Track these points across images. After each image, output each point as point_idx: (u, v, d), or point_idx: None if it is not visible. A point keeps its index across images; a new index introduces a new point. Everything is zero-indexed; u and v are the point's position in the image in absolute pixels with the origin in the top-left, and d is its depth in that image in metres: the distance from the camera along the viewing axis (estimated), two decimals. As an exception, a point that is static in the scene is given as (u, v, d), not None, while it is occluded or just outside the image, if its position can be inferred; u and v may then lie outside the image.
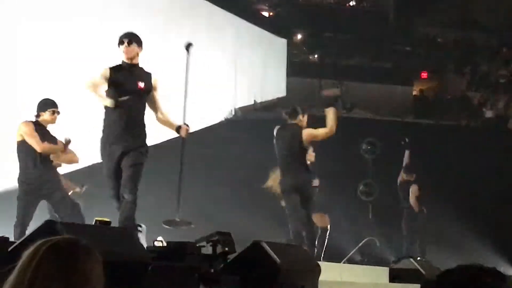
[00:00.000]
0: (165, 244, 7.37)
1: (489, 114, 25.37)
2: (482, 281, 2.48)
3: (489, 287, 2.47)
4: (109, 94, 8.06)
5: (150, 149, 8.55)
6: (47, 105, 9.25)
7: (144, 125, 8.39)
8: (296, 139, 10.35)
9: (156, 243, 7.51)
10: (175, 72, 17.65)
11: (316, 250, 11.24)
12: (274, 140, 10.60)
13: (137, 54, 8.29)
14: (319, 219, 12.61)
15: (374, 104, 24.04)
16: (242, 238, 7.77)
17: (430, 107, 25.06)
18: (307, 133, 10.40)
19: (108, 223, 6.30)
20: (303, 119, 10.63)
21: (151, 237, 7.97)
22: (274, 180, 11.25)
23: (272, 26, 23.53)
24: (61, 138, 9.56)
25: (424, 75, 26.84)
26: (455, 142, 21.15)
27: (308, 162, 10.79)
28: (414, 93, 26.23)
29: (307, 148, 10.57)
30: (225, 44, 20.56)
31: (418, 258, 12.01)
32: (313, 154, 11.90)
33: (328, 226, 13.08)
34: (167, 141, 15.99)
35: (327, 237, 12.98)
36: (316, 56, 26.83)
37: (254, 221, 13.93)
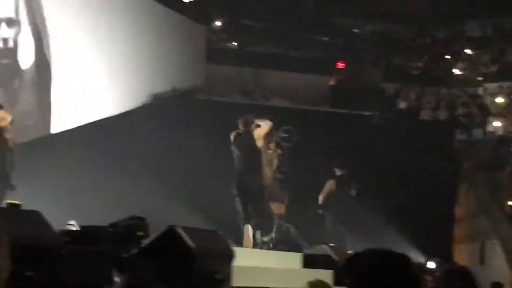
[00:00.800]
0: (78, 228, 7.30)
1: (402, 105, 25.93)
2: (389, 263, 2.54)
3: (395, 269, 2.54)
4: None
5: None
6: None
7: None
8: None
9: (69, 227, 7.43)
10: (88, 58, 17.46)
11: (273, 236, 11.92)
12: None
13: None
14: (276, 207, 13.06)
15: (291, 93, 24.25)
16: (158, 223, 7.75)
17: (346, 97, 25.43)
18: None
19: (19, 206, 6.20)
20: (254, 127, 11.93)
21: (64, 220, 7.88)
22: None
23: (192, 12, 23.41)
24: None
25: (341, 65, 27.19)
26: (369, 132, 21.57)
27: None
28: (331, 83, 26.55)
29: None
30: (144, 30, 20.37)
31: (331, 245, 12.18)
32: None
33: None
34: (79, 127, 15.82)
35: (284, 224, 13.24)
36: (235, 43, 26.85)
37: (170, 207, 13.90)
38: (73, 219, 7.98)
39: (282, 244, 13.69)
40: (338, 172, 16.38)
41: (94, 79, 17.70)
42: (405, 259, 2.59)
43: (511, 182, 23.05)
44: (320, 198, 15.78)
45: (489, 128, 24.37)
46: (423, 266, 16.92)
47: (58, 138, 16.08)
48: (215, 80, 23.73)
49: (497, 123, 24.38)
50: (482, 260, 21.50)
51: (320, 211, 15.79)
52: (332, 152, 18.99)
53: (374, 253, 2.59)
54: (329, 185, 16.14)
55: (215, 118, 19.07)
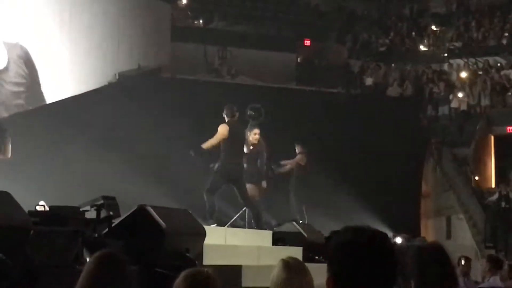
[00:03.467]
0: (47, 208, 7.21)
1: (369, 81, 26.00)
2: (367, 240, 2.55)
3: (372, 245, 2.54)
4: None
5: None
6: None
7: None
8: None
9: (38, 207, 7.33)
10: (52, 37, 17.23)
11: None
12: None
13: None
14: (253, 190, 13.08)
15: (258, 71, 24.18)
16: (128, 202, 7.69)
17: (312, 75, 25.43)
18: None
19: (-13, 187, 6.09)
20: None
21: (33, 201, 7.78)
22: None
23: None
24: None
25: (307, 42, 27.16)
26: (336, 109, 21.61)
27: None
28: (297, 60, 26.52)
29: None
30: (108, 8, 20.14)
31: (301, 222, 12.23)
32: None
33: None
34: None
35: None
36: (200, 21, 26.67)
37: (140, 186, 13.81)
38: (42, 200, 7.88)
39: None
40: (298, 149, 16.43)
41: (58, 58, 17.49)
42: (381, 235, 2.60)
43: (476, 157, 23.32)
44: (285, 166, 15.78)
45: (454, 104, 24.55)
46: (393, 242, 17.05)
47: (21, 117, 15.87)
48: (181, 58, 23.56)
49: (462, 99, 24.58)
50: (448, 235, 21.78)
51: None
52: (297, 129, 19.01)
53: (351, 230, 2.59)
54: (291, 162, 16.18)
55: (181, 96, 18.98)
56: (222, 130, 11.73)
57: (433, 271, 4.11)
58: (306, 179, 16.26)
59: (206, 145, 11.60)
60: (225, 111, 12.03)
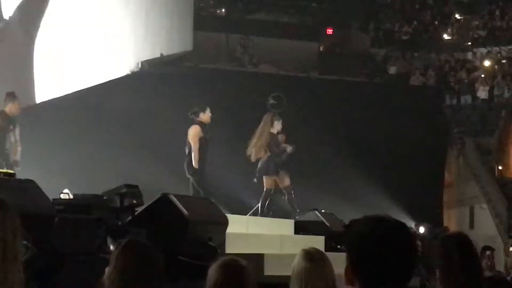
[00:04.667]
0: (71, 196, 7.27)
1: (392, 70, 25.87)
2: (386, 230, 2.55)
3: (391, 235, 2.55)
4: None
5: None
6: None
7: None
8: None
9: (62, 196, 7.39)
10: (75, 27, 17.32)
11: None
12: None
13: None
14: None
15: (280, 59, 24.14)
16: (151, 191, 7.73)
17: (334, 63, 25.33)
18: None
19: (13, 175, 6.15)
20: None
21: (58, 190, 7.84)
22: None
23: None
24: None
25: (329, 31, 27.07)
26: (359, 98, 21.54)
27: None
28: (320, 49, 26.44)
29: None
30: (131, -3, 20.17)
31: (323, 211, 12.21)
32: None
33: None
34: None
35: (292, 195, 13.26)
36: (223, 10, 26.66)
37: (163, 175, 13.86)
38: (66, 188, 7.94)
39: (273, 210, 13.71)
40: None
41: (81, 47, 17.55)
42: (400, 225, 2.60)
43: (499, 147, 23.16)
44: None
45: (478, 93, 24.38)
46: (415, 232, 17.00)
47: (46, 107, 15.97)
48: (203, 47, 23.58)
49: (485, 88, 24.40)
50: (471, 225, 21.68)
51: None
52: (319, 119, 18.98)
53: (370, 219, 2.60)
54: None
55: (203, 85, 19.00)
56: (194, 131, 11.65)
57: (458, 261, 4.11)
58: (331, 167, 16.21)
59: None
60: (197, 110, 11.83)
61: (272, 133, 12.92)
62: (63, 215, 6.21)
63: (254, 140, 12.91)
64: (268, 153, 12.86)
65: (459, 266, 4.09)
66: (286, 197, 13.18)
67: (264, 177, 13.02)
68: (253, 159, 12.97)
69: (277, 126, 13.05)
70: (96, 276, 3.60)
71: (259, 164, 13.01)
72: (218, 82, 19.34)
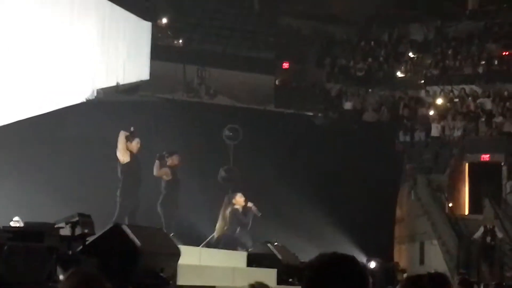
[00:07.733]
0: (22, 224, 7.15)
1: (347, 106, 26.13)
2: (341, 266, 2.64)
3: (347, 271, 2.61)
4: None
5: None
6: None
7: None
8: None
9: (13, 223, 7.28)
10: (29, 51, 17.17)
11: None
12: None
13: None
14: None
15: (236, 91, 24.22)
16: (103, 219, 7.66)
17: (290, 97, 25.51)
18: None
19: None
20: None
21: (8, 217, 7.72)
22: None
23: (138, 8, 23.18)
24: None
25: (286, 65, 27.29)
26: (313, 132, 21.69)
27: None
28: (276, 82, 26.61)
29: None
30: (90, 24, 20.09)
31: (276, 243, 12.22)
32: None
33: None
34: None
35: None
36: (180, 41, 26.70)
37: (116, 204, 13.72)
38: (17, 216, 7.82)
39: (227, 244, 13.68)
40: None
41: (35, 72, 17.39)
42: (354, 261, 2.67)
43: (451, 184, 23.48)
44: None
45: (430, 131, 24.75)
46: (365, 266, 17.08)
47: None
48: (160, 77, 23.55)
49: (437, 125, 24.78)
50: (421, 261, 21.87)
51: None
52: (274, 151, 19.05)
53: (326, 257, 2.67)
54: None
55: (159, 115, 18.95)
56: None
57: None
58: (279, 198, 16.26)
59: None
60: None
61: (235, 209, 13.33)
62: (13, 243, 6.11)
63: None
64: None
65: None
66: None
67: None
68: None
69: (240, 199, 13.46)
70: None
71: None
72: (174, 112, 19.31)
